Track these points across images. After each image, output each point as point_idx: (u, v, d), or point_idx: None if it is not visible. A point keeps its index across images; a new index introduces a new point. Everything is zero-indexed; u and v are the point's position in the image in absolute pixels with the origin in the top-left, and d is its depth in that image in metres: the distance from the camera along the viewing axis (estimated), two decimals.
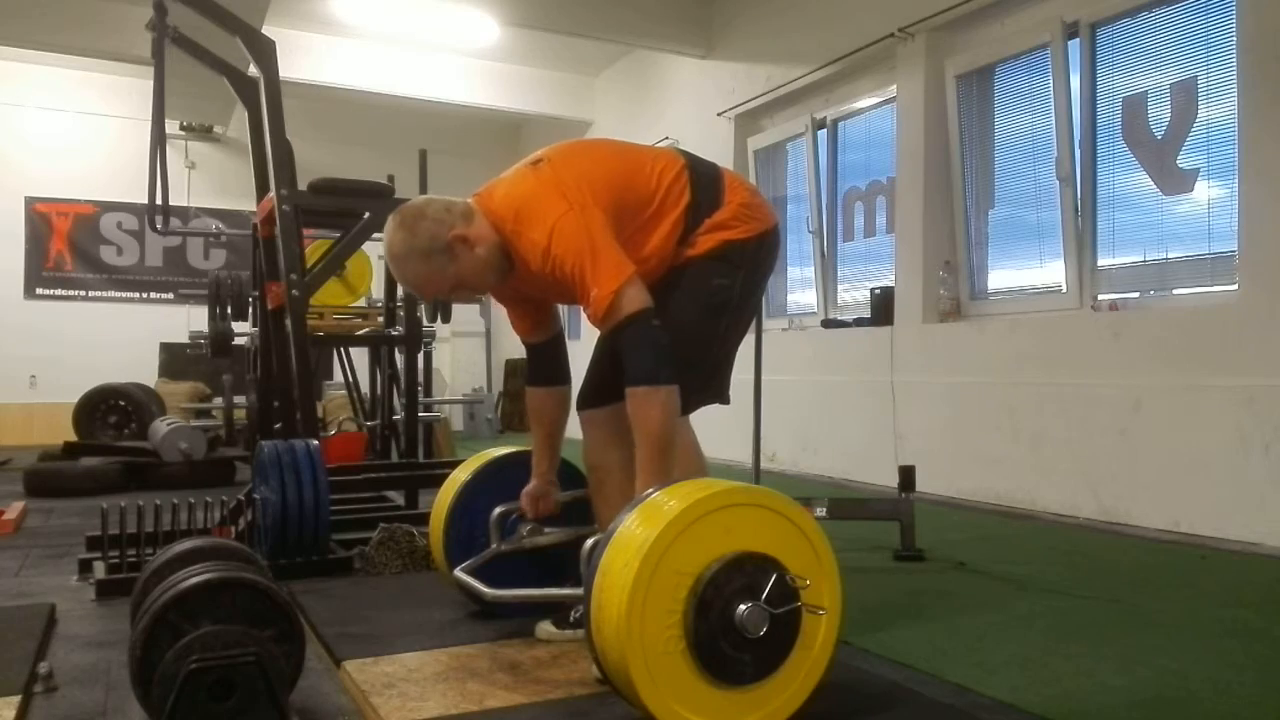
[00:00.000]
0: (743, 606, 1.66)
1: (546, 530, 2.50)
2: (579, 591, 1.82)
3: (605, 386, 2.29)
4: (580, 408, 2.42)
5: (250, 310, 5.95)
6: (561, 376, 2.49)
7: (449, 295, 2.22)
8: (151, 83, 4.03)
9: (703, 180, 2.29)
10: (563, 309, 2.55)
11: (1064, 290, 4.81)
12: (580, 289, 2.04)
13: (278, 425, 3.99)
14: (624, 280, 2.02)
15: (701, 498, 1.70)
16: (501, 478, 2.63)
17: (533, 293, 2.33)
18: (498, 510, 2.49)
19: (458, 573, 2.42)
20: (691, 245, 2.24)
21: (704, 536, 1.67)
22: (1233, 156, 3.99)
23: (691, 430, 2.31)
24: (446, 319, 7.17)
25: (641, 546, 1.63)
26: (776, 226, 2.36)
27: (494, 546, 2.48)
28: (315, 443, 3.26)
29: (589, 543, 1.86)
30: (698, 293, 2.22)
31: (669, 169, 2.26)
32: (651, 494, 1.77)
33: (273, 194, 3.76)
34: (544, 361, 2.48)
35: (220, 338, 6.38)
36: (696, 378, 2.17)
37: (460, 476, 2.69)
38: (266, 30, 4.70)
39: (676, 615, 1.64)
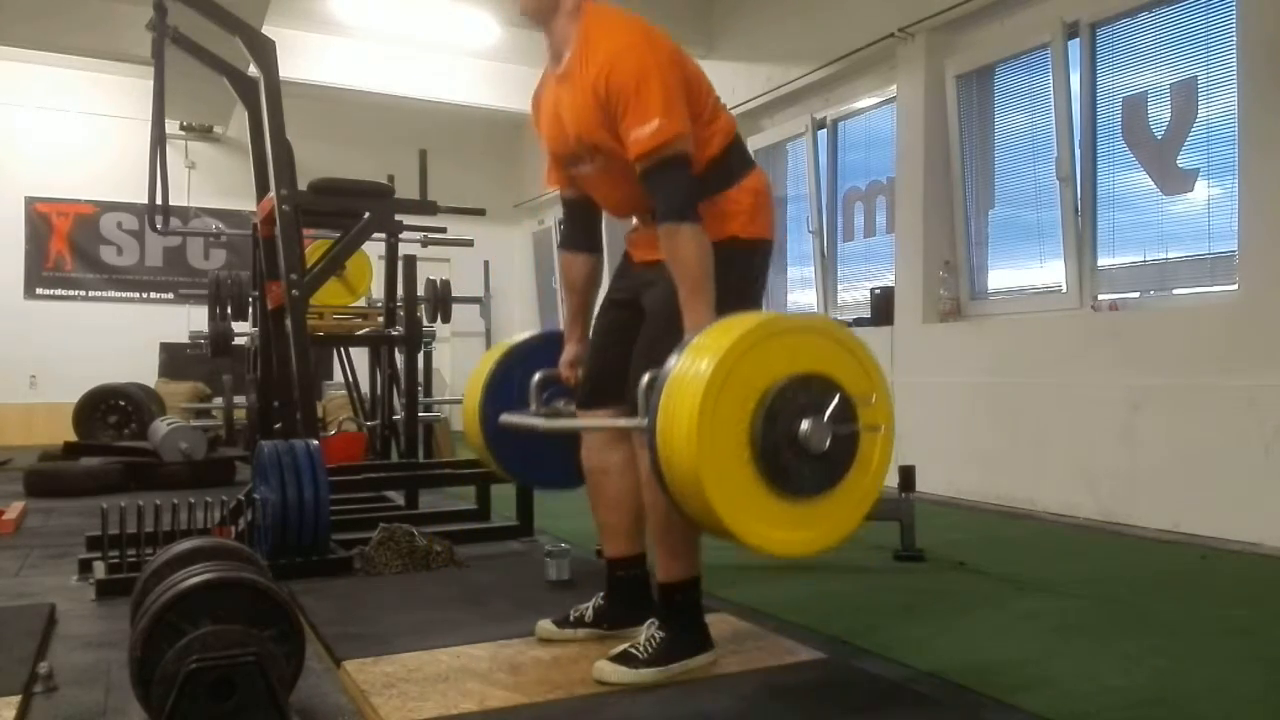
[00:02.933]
0: (806, 422, 1.74)
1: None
2: (642, 422, 1.83)
3: (606, 383, 2.28)
4: (581, 407, 2.39)
5: (250, 310, 5.95)
6: (595, 244, 2.48)
7: None
8: (151, 83, 4.02)
9: (741, 146, 2.28)
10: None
11: (1064, 290, 4.81)
12: (632, 111, 2.01)
13: (278, 425, 3.99)
14: (686, 127, 2.04)
15: (768, 319, 1.83)
16: (534, 359, 2.56)
17: (550, 126, 2.28)
18: (538, 376, 2.45)
19: (504, 417, 2.41)
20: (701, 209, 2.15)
21: (771, 355, 1.76)
22: (1232, 156, 3.99)
23: None
24: (446, 319, 7.18)
25: (715, 356, 1.70)
26: (774, 241, 2.32)
27: (532, 409, 2.43)
28: (315, 443, 3.26)
29: (646, 376, 1.86)
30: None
31: (725, 113, 2.25)
32: (714, 325, 1.83)
33: (273, 194, 3.76)
34: (578, 222, 2.46)
35: (220, 338, 6.38)
36: None
37: (492, 356, 2.65)
38: (266, 30, 4.70)
39: (744, 424, 1.72)
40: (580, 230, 2.46)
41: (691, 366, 1.73)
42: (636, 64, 2.03)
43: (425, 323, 6.36)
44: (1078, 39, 4.70)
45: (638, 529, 2.33)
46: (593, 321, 2.45)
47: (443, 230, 6.11)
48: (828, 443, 1.75)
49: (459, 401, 10.21)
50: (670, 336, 1.95)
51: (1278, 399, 3.63)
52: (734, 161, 2.21)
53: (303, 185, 3.97)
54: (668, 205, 2.03)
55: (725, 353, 1.70)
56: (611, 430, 2.28)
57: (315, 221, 4.59)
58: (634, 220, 2.39)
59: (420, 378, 6.11)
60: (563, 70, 2.19)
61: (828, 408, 1.76)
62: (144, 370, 8.25)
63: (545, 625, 2.36)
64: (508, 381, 2.57)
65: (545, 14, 2.20)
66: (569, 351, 2.48)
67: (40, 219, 9.17)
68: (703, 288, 2.00)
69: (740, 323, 1.79)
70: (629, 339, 2.21)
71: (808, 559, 3.50)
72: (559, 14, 2.18)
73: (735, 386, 1.71)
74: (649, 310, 2.22)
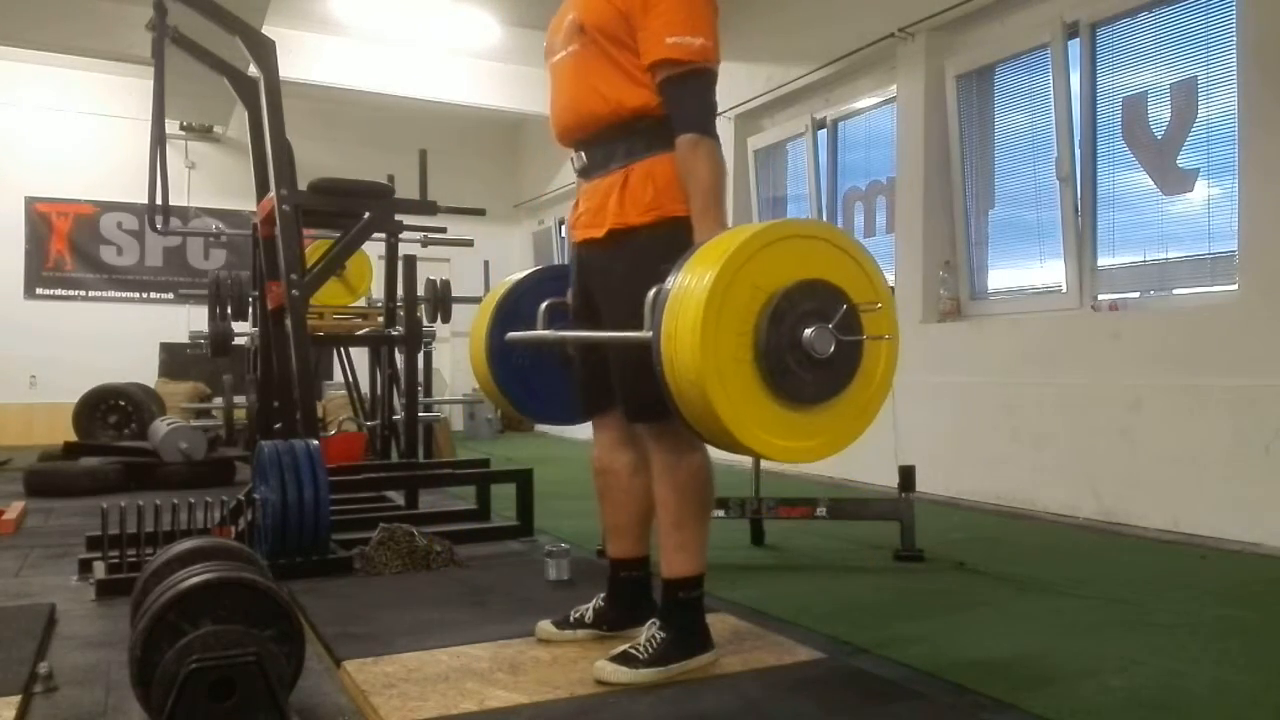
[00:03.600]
0: (811, 328, 1.74)
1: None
2: (646, 335, 1.81)
3: (601, 394, 2.27)
4: (588, 416, 2.39)
5: (250, 310, 5.95)
6: None
7: None
8: (151, 83, 4.02)
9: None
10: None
11: (1064, 290, 4.81)
12: (681, 18, 2.02)
13: (278, 425, 3.98)
14: (718, 58, 2.07)
15: (777, 224, 1.83)
16: (541, 290, 2.51)
17: (565, 10, 2.25)
18: (546, 303, 2.42)
19: (511, 335, 2.41)
20: (635, 199, 2.10)
21: (779, 259, 1.76)
22: (1233, 156, 3.99)
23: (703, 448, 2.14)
24: (446, 319, 7.17)
25: (722, 255, 1.70)
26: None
27: (541, 330, 2.39)
28: (315, 443, 3.26)
29: (653, 291, 1.83)
30: (647, 275, 1.92)
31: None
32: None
33: (273, 194, 3.76)
34: None
35: (220, 338, 6.38)
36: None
37: (499, 290, 2.62)
38: (266, 30, 4.71)
39: (749, 325, 1.72)
40: None
41: (697, 269, 1.72)
42: None
43: (425, 323, 6.34)
44: (1078, 39, 4.70)
45: (643, 531, 2.34)
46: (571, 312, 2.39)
47: (443, 230, 6.11)
48: (832, 348, 1.75)
49: (459, 401, 10.26)
50: (633, 322, 1.92)
51: (1278, 399, 3.63)
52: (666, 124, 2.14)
53: (303, 185, 3.97)
54: (694, 116, 2.05)
55: (733, 254, 1.70)
56: (621, 429, 2.27)
57: (315, 221, 4.58)
58: (575, 194, 2.34)
59: (420, 378, 6.11)
60: None
61: (834, 314, 1.76)
62: (144, 370, 8.25)
63: (545, 626, 2.36)
64: (515, 313, 2.53)
65: None
66: (571, 287, 2.43)
67: (40, 219, 9.17)
68: (715, 203, 2.02)
69: (749, 227, 1.80)
70: (602, 349, 2.20)
71: (808, 560, 3.52)
72: None
73: (741, 289, 1.71)
74: (605, 308, 2.19)
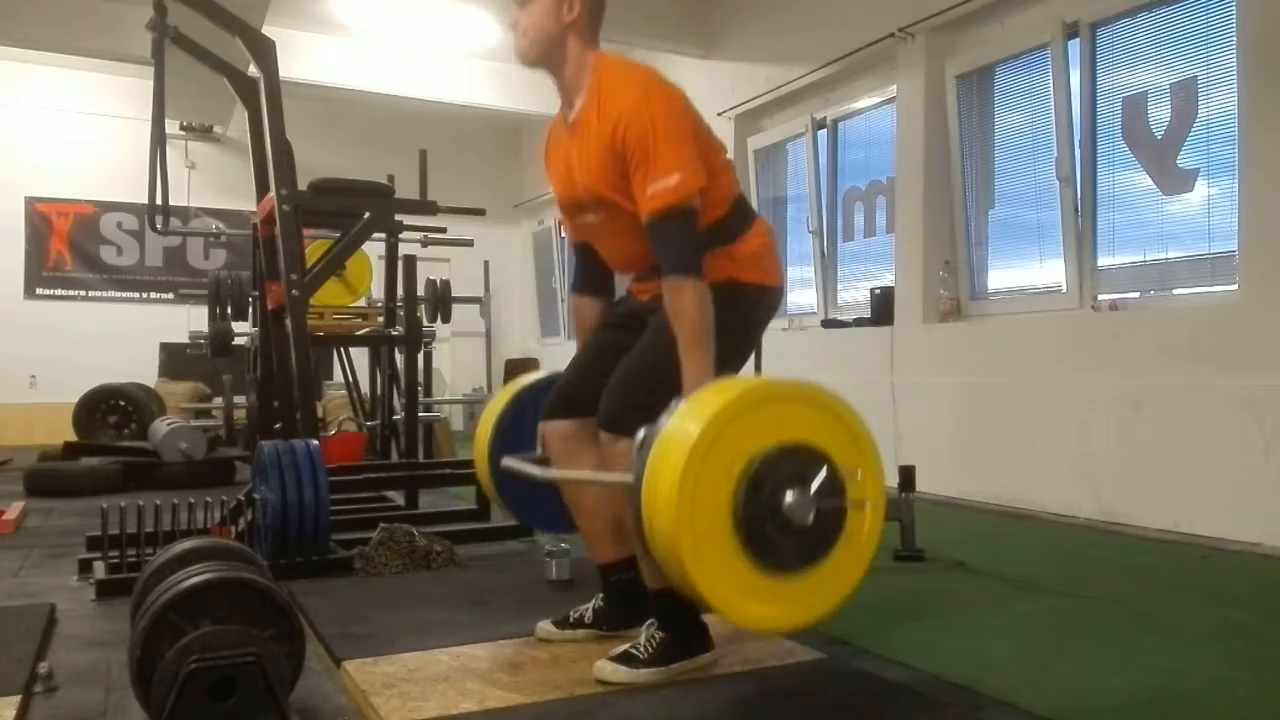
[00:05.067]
0: (791, 494, 1.69)
1: None
2: (628, 477, 1.80)
3: (578, 396, 2.25)
4: (547, 416, 2.34)
5: (250, 310, 5.95)
6: (607, 289, 2.46)
7: (513, 14, 2.21)
8: (151, 83, 4.02)
9: (745, 203, 2.28)
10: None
11: (1064, 290, 4.81)
12: (651, 165, 2.01)
13: (278, 425, 3.99)
14: (704, 179, 2.05)
15: (758, 385, 1.80)
16: (542, 399, 2.52)
17: (559, 175, 2.27)
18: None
19: (506, 460, 2.38)
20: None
21: (760, 422, 1.72)
22: (1233, 156, 3.99)
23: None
24: (446, 319, 7.18)
25: (701, 420, 1.67)
26: (781, 289, 2.32)
27: (539, 452, 2.41)
28: (315, 443, 3.26)
29: (641, 431, 1.82)
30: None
31: (731, 170, 2.25)
32: (707, 386, 1.81)
33: (273, 194, 3.76)
34: (589, 266, 2.43)
35: (220, 338, 6.38)
36: (648, 409, 1.99)
37: (501, 401, 2.63)
38: (266, 30, 4.70)
39: (728, 492, 1.68)
40: (591, 274, 2.44)
41: (679, 428, 1.69)
42: (654, 117, 2.02)
43: (425, 323, 6.35)
44: (1077, 39, 4.69)
45: (622, 533, 2.28)
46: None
47: (443, 230, 6.11)
48: (811, 517, 1.70)
49: (459, 401, 10.23)
50: (663, 355, 1.97)
51: (1278, 399, 3.63)
52: (738, 220, 2.22)
53: (303, 185, 3.97)
54: (675, 259, 2.02)
55: (713, 417, 1.66)
56: (575, 443, 2.26)
57: (315, 221, 4.59)
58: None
59: (420, 378, 6.11)
60: (575, 120, 2.18)
61: (814, 480, 1.72)
62: (144, 370, 8.25)
63: (545, 626, 2.36)
64: (520, 420, 2.56)
65: (553, 63, 2.20)
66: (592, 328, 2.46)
67: (40, 219, 9.17)
68: (703, 342, 1.99)
69: (732, 386, 1.76)
70: (617, 360, 2.19)
71: None
72: (567, 63, 2.18)
73: (721, 452, 1.67)
74: (650, 324, 2.19)
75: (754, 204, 7.15)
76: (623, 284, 2.45)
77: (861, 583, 1.82)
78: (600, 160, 2.10)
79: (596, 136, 2.10)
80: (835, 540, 1.76)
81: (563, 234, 10.14)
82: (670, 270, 2.02)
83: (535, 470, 2.23)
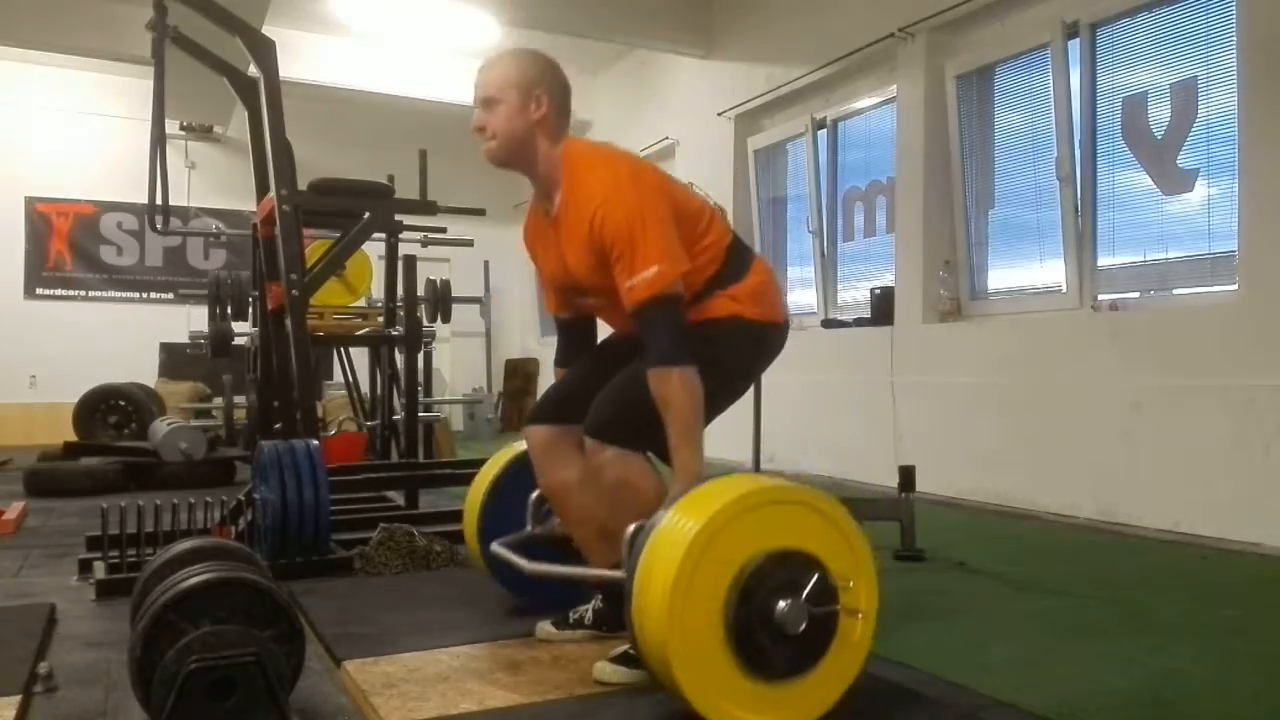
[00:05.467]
0: (783, 602, 1.69)
1: None
2: (620, 574, 1.81)
3: (572, 402, 2.25)
4: (531, 421, 2.36)
5: (250, 310, 5.94)
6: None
7: (479, 118, 2.21)
8: (151, 83, 4.02)
9: (739, 247, 2.27)
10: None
11: (1064, 290, 4.81)
12: (629, 259, 2.00)
13: (278, 425, 3.98)
14: (684, 265, 2.05)
15: (750, 490, 1.76)
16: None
17: (549, 263, 2.27)
18: (535, 494, 2.46)
19: (495, 545, 2.40)
20: (700, 306, 2.17)
21: (750, 529, 1.71)
22: (1232, 156, 3.99)
23: (653, 473, 2.15)
24: (446, 319, 7.18)
25: (689, 531, 1.66)
26: (787, 323, 2.32)
27: (529, 529, 2.46)
28: (315, 443, 3.26)
29: (631, 528, 1.83)
30: (708, 347, 2.09)
31: (716, 222, 2.25)
32: (697, 486, 1.80)
33: (273, 194, 3.76)
34: (573, 341, 2.44)
35: (220, 338, 6.38)
36: (637, 426, 2.07)
37: (491, 470, 2.68)
38: (266, 30, 4.70)
39: (718, 603, 1.67)
40: (576, 349, 2.45)
41: (675, 527, 1.69)
42: (628, 210, 2.02)
43: (425, 323, 6.35)
44: (1078, 39, 4.69)
45: (613, 537, 2.30)
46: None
47: (443, 230, 6.11)
48: (803, 625, 1.69)
49: (459, 401, 10.23)
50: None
51: (1278, 399, 3.63)
52: (735, 266, 2.22)
53: (303, 185, 3.97)
54: (659, 349, 2.00)
55: (709, 520, 1.66)
56: (560, 448, 2.27)
57: (315, 221, 4.59)
58: None
59: (420, 378, 6.11)
60: (556, 214, 2.18)
61: (806, 587, 1.70)
62: (144, 370, 8.24)
63: (545, 627, 2.36)
64: (513, 487, 2.58)
65: (523, 163, 2.20)
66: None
67: (40, 219, 9.17)
68: (692, 433, 1.98)
69: (727, 488, 1.75)
70: (606, 373, 2.20)
71: None
72: (538, 162, 2.18)
73: (714, 557, 1.66)
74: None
75: (754, 204, 7.23)
76: None
77: (852, 681, 1.82)
78: (586, 255, 2.10)
79: (577, 231, 2.10)
80: (828, 647, 1.76)
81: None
82: (656, 361, 2.00)
83: (522, 564, 2.23)
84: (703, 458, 1.99)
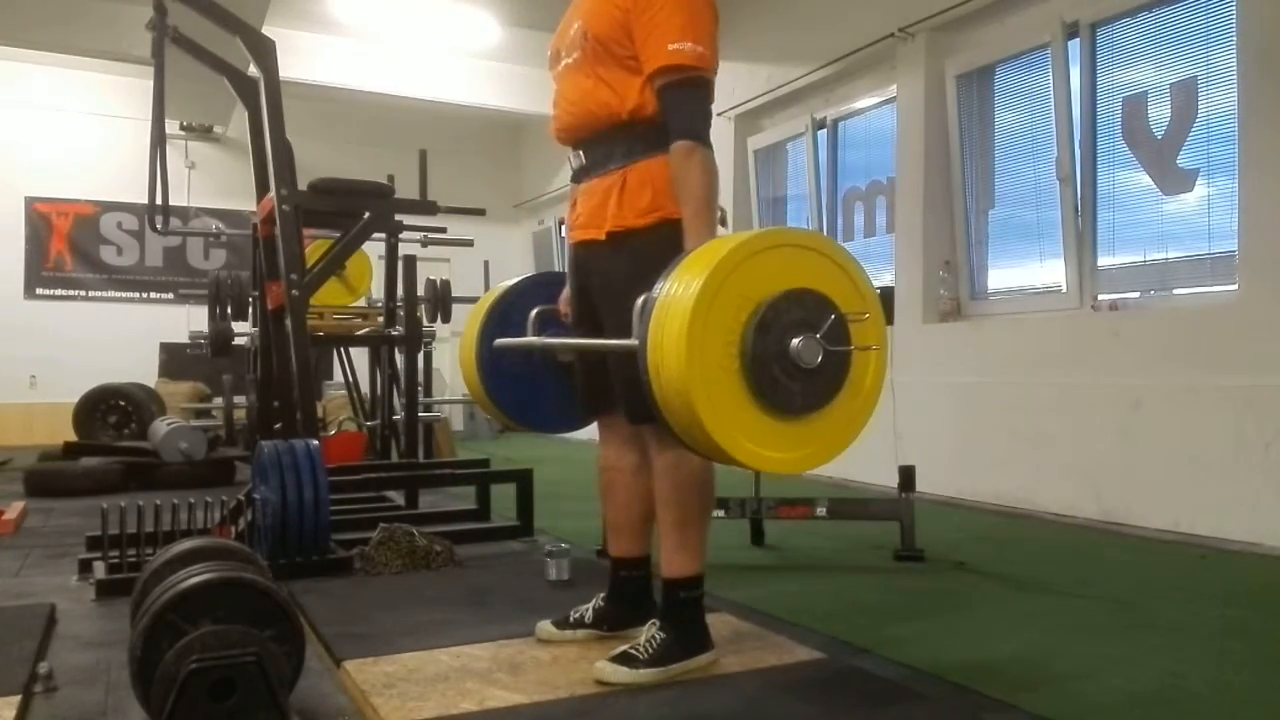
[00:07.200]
0: (798, 338, 1.72)
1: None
2: (633, 342, 1.80)
3: (601, 396, 2.28)
4: (590, 418, 2.42)
5: (250, 310, 5.94)
6: None
7: None
8: (151, 83, 4.02)
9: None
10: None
11: (1064, 290, 4.81)
12: (679, 25, 2.01)
13: (278, 425, 3.98)
14: (717, 63, 2.07)
15: (765, 233, 1.81)
16: (531, 298, 2.52)
17: (570, 20, 2.24)
18: (536, 310, 2.43)
19: (499, 341, 2.39)
20: (633, 201, 2.11)
21: (766, 268, 1.74)
22: (1233, 156, 3.99)
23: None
24: (446, 319, 7.17)
25: (709, 264, 1.68)
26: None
27: (530, 336, 2.41)
28: (315, 443, 3.26)
29: (640, 299, 1.82)
30: (647, 278, 1.86)
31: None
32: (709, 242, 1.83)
33: (273, 194, 3.76)
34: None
35: (220, 338, 6.38)
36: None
37: (490, 298, 2.61)
38: (266, 30, 4.70)
39: (736, 334, 1.70)
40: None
41: (684, 277, 1.71)
42: None
43: (425, 323, 6.35)
44: (1077, 39, 4.70)
45: (644, 531, 2.34)
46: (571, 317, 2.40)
47: (443, 230, 6.10)
48: (819, 359, 1.73)
49: (459, 401, 10.24)
50: (626, 317, 1.91)
51: (1278, 399, 3.63)
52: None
53: (303, 185, 3.97)
54: (689, 123, 2.04)
55: (720, 262, 1.69)
56: (625, 432, 2.27)
57: (315, 221, 4.58)
58: (571, 197, 2.34)
59: (420, 378, 6.11)
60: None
61: (821, 324, 1.74)
62: (144, 370, 8.25)
63: (545, 626, 2.36)
64: (506, 320, 2.52)
65: None
66: (569, 289, 2.42)
67: (40, 219, 9.17)
68: (706, 210, 2.02)
69: (736, 236, 1.79)
70: (602, 359, 2.21)
71: (808, 560, 3.51)
72: None
73: (728, 298, 1.69)
74: (604, 310, 2.19)
75: (754, 204, 7.23)
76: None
77: (865, 424, 1.87)
78: (612, 4, 2.10)
79: None
80: (842, 383, 1.80)
81: (563, 234, 10.14)
82: (682, 134, 2.03)
83: (532, 340, 2.25)
84: (715, 230, 1.99)
